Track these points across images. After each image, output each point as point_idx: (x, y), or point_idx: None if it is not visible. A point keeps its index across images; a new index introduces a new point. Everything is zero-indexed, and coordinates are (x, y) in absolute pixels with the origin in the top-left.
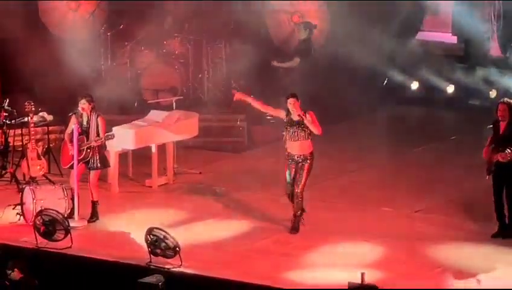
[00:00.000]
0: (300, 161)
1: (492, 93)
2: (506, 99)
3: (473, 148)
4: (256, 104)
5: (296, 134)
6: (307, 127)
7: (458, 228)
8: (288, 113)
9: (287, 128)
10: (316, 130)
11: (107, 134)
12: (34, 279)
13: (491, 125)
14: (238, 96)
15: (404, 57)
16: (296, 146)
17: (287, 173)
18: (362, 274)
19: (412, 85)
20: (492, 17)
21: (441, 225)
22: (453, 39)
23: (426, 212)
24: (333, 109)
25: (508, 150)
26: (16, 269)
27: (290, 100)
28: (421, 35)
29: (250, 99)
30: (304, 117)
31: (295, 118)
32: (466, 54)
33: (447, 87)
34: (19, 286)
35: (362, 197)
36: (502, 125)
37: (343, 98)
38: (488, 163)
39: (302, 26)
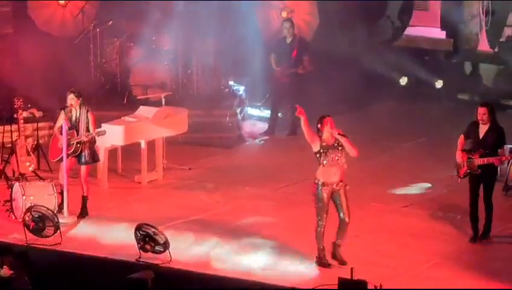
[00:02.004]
0: (332, 189)
1: (480, 88)
2: (486, 101)
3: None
4: (305, 126)
5: (334, 159)
6: (341, 151)
7: (448, 223)
8: (320, 137)
9: (323, 153)
10: (353, 150)
11: (98, 130)
12: (25, 276)
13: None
14: (301, 113)
15: (392, 52)
16: (334, 172)
17: (319, 198)
18: (351, 269)
19: (400, 80)
20: (481, 13)
21: (430, 220)
22: (442, 34)
23: (415, 207)
24: (321, 104)
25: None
26: (5, 266)
27: (327, 120)
28: (410, 31)
29: (304, 119)
30: (343, 136)
31: (330, 141)
32: (455, 49)
33: (436, 82)
34: (10, 282)
35: (351, 191)
36: (483, 128)
37: (331, 92)
38: (460, 166)
39: (288, 26)
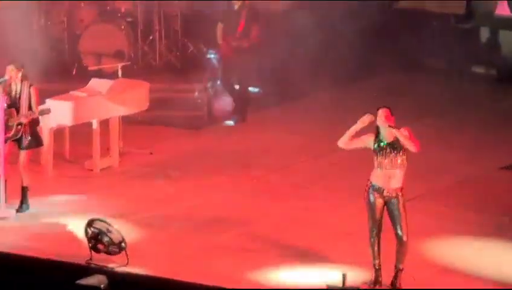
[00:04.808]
0: (388, 197)
1: (499, 60)
2: None
3: (476, 126)
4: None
5: (387, 160)
6: (403, 151)
7: (457, 220)
8: (377, 134)
9: (379, 153)
10: (412, 146)
11: (41, 108)
12: None
13: None
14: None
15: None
16: (386, 176)
17: (371, 205)
18: (344, 275)
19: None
20: None
21: (437, 216)
22: None
23: (420, 200)
24: (306, 80)
25: None
26: None
27: (381, 111)
28: None
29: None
30: (396, 129)
31: (387, 138)
32: (468, 13)
33: (444, 52)
34: None
35: (341, 182)
36: None
37: (317, 67)
38: None
39: None
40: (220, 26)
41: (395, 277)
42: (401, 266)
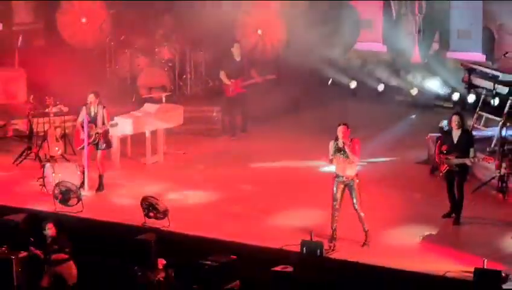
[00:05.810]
0: (346, 182)
1: (413, 91)
2: (458, 111)
3: (400, 133)
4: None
5: (340, 159)
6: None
7: (390, 196)
8: (336, 139)
9: (335, 152)
10: (353, 157)
11: (111, 122)
12: (66, 236)
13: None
14: None
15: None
16: (341, 169)
17: (334, 188)
18: (311, 233)
19: (351, 84)
20: (414, 32)
21: (378, 194)
22: (384, 48)
23: (366, 183)
24: (290, 105)
25: (476, 158)
26: (49, 228)
27: (340, 128)
28: (358, 46)
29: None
30: (345, 145)
31: (340, 144)
32: (393, 60)
33: (378, 86)
34: (56, 240)
35: (312, 170)
36: (456, 133)
37: (297, 94)
38: (440, 164)
39: (238, 47)
40: (222, 73)
41: (366, 236)
42: (366, 228)
